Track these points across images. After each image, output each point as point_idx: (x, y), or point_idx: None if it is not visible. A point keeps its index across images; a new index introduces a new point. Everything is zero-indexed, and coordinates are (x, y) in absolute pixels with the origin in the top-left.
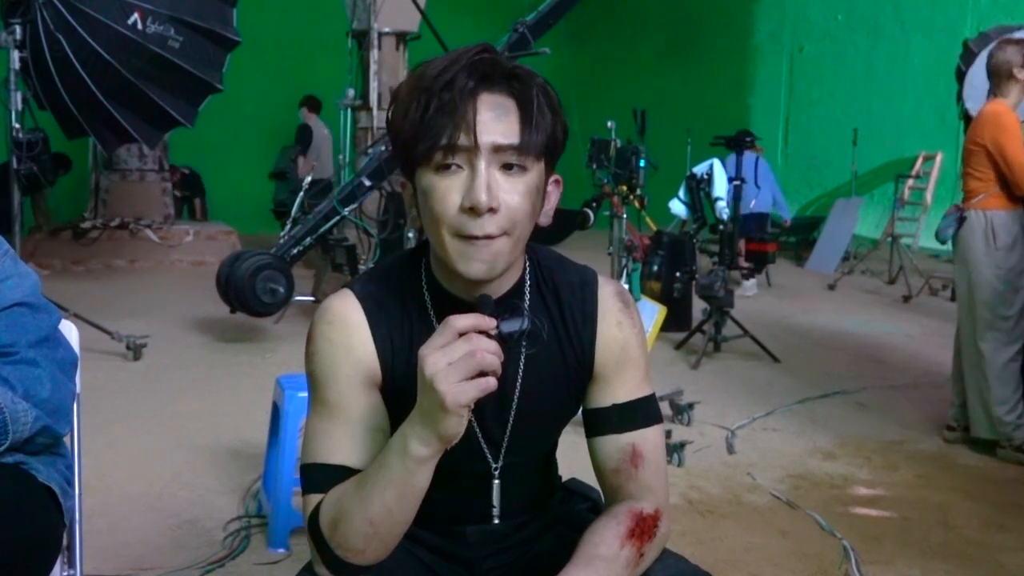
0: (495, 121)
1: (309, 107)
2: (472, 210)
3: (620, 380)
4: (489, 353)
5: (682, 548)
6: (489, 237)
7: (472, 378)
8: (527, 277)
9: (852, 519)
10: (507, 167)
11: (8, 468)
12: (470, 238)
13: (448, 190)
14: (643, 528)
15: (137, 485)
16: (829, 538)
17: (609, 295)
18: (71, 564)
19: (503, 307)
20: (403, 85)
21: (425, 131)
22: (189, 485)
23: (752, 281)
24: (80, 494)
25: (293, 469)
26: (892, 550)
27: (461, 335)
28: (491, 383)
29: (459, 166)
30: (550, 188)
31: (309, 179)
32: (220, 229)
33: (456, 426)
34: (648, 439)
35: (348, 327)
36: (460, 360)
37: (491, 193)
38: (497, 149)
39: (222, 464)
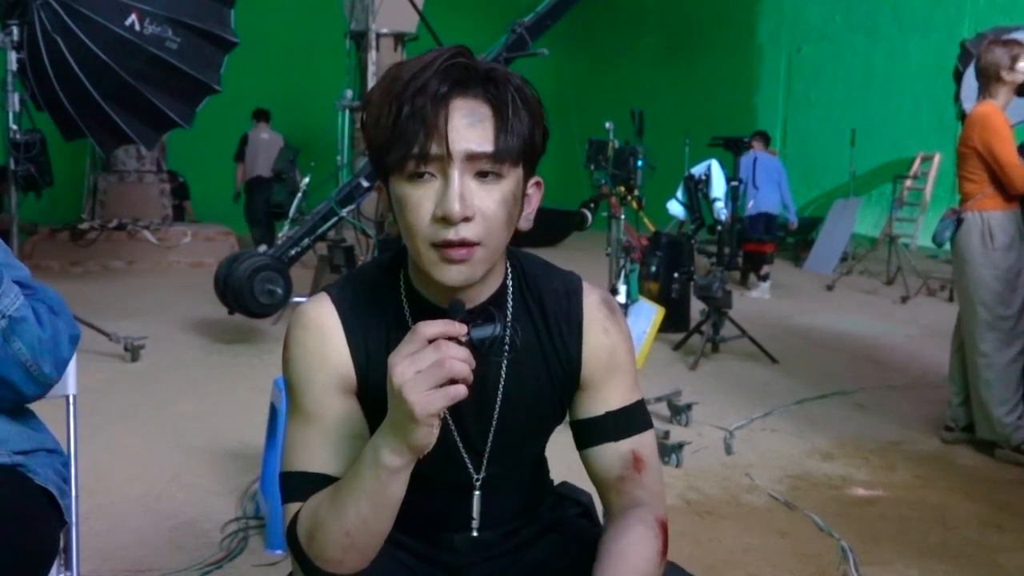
0: (468, 128)
1: (256, 117)
2: (445, 220)
3: (611, 387)
4: (458, 361)
5: (680, 549)
6: (465, 243)
7: (441, 386)
8: (509, 283)
9: (850, 519)
10: (482, 174)
11: (5, 470)
12: (446, 245)
13: (422, 199)
14: (667, 541)
15: (135, 486)
16: (827, 538)
17: (595, 303)
18: (68, 566)
19: (476, 313)
20: (375, 89)
21: (397, 139)
22: (187, 486)
23: (767, 284)
24: (77, 495)
25: None
26: (890, 550)
27: (431, 342)
28: (460, 391)
29: (432, 174)
30: (531, 191)
31: (307, 180)
32: (218, 230)
33: (426, 436)
34: (646, 444)
35: (323, 333)
36: (429, 368)
37: (464, 202)
38: (471, 157)
39: (220, 465)
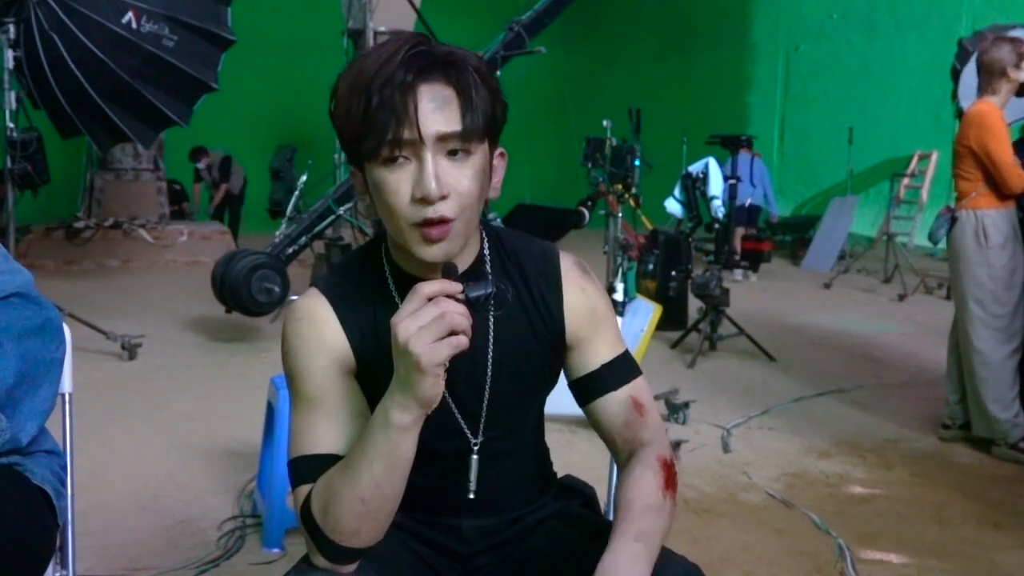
0: (436, 111)
1: (201, 154)
2: (423, 200)
3: (599, 341)
4: (458, 314)
5: (677, 547)
6: (444, 220)
7: (443, 338)
8: (487, 252)
9: (847, 517)
10: (452, 153)
11: (2, 469)
12: (426, 224)
13: (399, 183)
14: (672, 476)
15: (132, 485)
16: (824, 536)
17: (569, 265)
18: (64, 565)
19: (469, 275)
20: (342, 82)
21: (369, 128)
22: (184, 485)
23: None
24: (73, 494)
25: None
26: (887, 548)
27: (430, 300)
28: (463, 341)
29: (406, 158)
30: (496, 162)
31: (304, 178)
32: (214, 229)
33: (433, 387)
34: (641, 388)
35: (317, 321)
36: (431, 323)
37: (440, 182)
38: (441, 138)
39: (217, 464)
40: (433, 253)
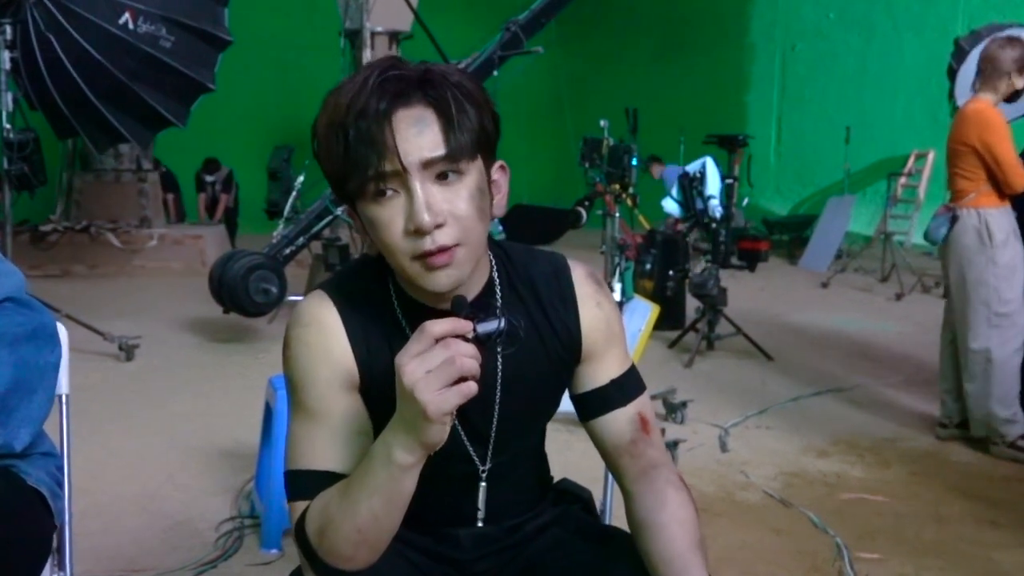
0: (417, 136)
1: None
2: (418, 232)
3: (610, 356)
4: (468, 358)
5: None
6: (443, 249)
7: (452, 384)
8: (495, 276)
9: (845, 516)
10: (442, 176)
11: None
12: (426, 255)
13: (391, 218)
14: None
15: (129, 486)
16: (822, 535)
17: (583, 278)
18: (61, 566)
19: (478, 308)
20: (320, 119)
21: (352, 166)
22: (182, 486)
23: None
24: (70, 495)
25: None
26: (885, 547)
27: (438, 341)
28: (472, 388)
29: (394, 190)
30: (496, 177)
31: (302, 178)
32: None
33: (440, 433)
34: (646, 405)
35: (324, 329)
36: (439, 367)
37: (433, 211)
38: (426, 164)
39: (215, 465)
40: (440, 282)
